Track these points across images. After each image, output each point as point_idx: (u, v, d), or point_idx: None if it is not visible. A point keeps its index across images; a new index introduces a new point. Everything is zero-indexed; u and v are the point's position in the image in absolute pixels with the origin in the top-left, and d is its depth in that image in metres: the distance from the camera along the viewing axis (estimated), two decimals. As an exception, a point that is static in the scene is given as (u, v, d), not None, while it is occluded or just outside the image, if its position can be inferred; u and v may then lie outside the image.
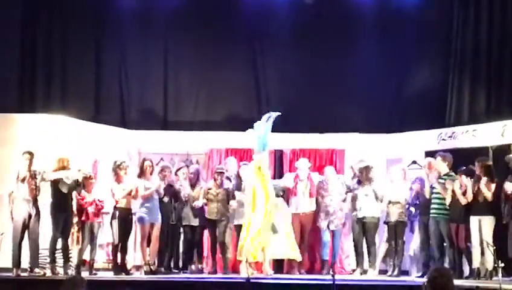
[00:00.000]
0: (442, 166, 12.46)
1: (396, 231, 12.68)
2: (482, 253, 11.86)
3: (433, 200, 12.46)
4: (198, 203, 12.90)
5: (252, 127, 12.87)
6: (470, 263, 12.15)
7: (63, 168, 12.14)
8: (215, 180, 13.07)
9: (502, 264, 11.46)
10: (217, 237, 12.92)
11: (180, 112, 16.13)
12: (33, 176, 11.93)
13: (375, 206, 12.83)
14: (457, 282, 10.72)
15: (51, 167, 12.17)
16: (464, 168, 12.41)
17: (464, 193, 12.05)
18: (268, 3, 16.18)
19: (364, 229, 12.80)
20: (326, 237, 13.20)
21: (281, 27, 16.15)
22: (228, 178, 13.29)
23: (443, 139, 14.39)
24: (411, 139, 14.67)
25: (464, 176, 12.17)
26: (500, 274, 11.37)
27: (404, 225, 12.77)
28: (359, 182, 12.92)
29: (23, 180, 11.85)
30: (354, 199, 13.05)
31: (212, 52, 15.91)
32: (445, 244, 12.36)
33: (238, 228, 12.76)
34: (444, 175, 12.41)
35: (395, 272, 12.58)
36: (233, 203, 12.84)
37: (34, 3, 15.48)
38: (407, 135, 14.80)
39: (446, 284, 6.39)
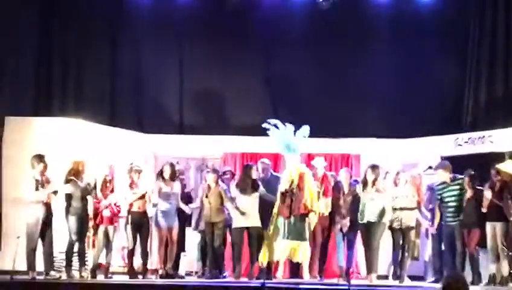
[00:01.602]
0: (444, 176, 12.36)
1: (404, 236, 12.36)
2: (498, 259, 11.81)
3: (444, 206, 12.37)
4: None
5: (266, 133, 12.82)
6: (475, 269, 12.09)
7: (78, 172, 12.18)
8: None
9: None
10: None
11: (196, 116, 16.17)
12: (48, 181, 11.97)
13: (380, 210, 12.48)
14: (472, 288, 10.77)
15: (66, 170, 12.21)
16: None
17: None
18: (283, 8, 16.21)
19: (369, 233, 12.21)
20: (340, 240, 12.99)
21: (296, 31, 16.18)
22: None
23: (459, 145, 14.37)
24: (427, 144, 14.64)
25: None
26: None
27: (410, 231, 12.29)
28: (365, 184, 12.32)
29: (41, 184, 11.88)
30: (357, 201, 12.52)
31: (228, 57, 15.97)
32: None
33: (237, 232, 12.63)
34: (452, 182, 12.32)
35: (400, 279, 12.33)
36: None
37: (50, 7, 15.51)
38: (423, 140, 14.77)
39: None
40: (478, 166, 12.73)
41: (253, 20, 16.15)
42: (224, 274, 12.83)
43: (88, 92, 15.63)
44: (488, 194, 11.91)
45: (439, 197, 12.41)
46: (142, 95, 16.17)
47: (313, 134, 12.79)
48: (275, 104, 15.85)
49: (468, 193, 12.17)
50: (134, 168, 12.60)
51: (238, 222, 12.47)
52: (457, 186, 12.29)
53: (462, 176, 12.31)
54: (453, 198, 12.27)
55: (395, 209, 12.09)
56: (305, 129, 12.58)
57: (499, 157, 13.11)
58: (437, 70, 15.73)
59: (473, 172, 12.29)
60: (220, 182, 12.76)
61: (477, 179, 12.25)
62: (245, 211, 12.37)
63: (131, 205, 12.42)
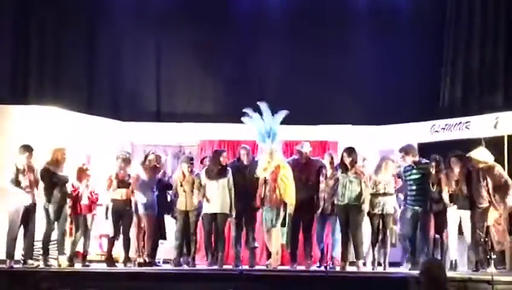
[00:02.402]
0: (409, 160, 12.35)
1: (384, 222, 12.33)
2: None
3: (408, 190, 12.32)
4: None
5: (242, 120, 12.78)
6: (442, 254, 12.14)
7: (58, 161, 12.11)
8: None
9: (494, 256, 11.62)
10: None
11: (173, 104, 16.15)
12: (31, 169, 11.90)
13: (357, 192, 12.02)
14: (449, 274, 10.82)
15: (45, 157, 12.14)
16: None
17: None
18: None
19: (348, 216, 12.07)
20: (320, 226, 12.92)
21: (275, 19, 16.19)
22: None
23: (436, 131, 14.43)
24: (404, 131, 14.68)
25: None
26: (492, 265, 11.55)
27: (390, 217, 12.30)
28: (344, 168, 12.10)
29: (23, 173, 11.82)
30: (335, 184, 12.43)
31: (206, 44, 15.96)
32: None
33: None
34: (416, 165, 12.33)
35: (383, 266, 12.34)
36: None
37: (27, -5, 15.46)
38: (400, 126, 14.81)
39: (439, 275, 6.41)
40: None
41: (232, 8, 16.15)
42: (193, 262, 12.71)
43: (65, 80, 15.56)
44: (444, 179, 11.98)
45: (405, 180, 12.40)
46: (119, 82, 16.15)
47: (291, 121, 12.78)
48: (252, 92, 15.81)
49: (433, 178, 12.15)
50: (123, 156, 12.56)
51: (206, 208, 12.41)
52: (421, 171, 12.22)
53: (427, 161, 12.32)
54: (416, 182, 12.17)
55: (377, 194, 12.06)
56: (282, 114, 12.50)
57: (476, 143, 13.19)
58: (414, 57, 15.77)
59: (437, 157, 12.27)
60: (194, 169, 12.72)
61: (443, 163, 12.20)
62: (211, 198, 12.30)
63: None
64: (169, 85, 16.26)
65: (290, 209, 12.13)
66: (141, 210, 12.45)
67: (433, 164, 12.16)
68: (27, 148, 11.90)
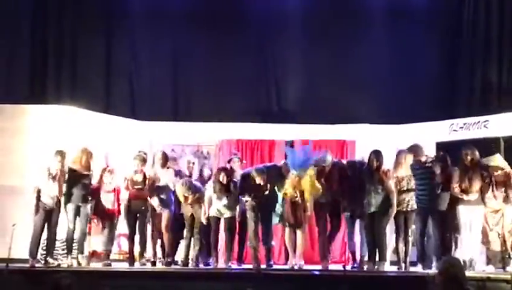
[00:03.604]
0: (411, 159, 12.31)
1: (406, 220, 12.25)
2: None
3: (417, 189, 12.12)
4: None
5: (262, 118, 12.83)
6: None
7: (80, 161, 12.11)
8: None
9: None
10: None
11: (191, 103, 16.14)
12: (64, 174, 11.97)
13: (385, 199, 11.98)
14: (468, 273, 10.79)
15: (73, 158, 12.17)
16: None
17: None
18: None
19: (374, 221, 12.01)
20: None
21: (291, 18, 16.19)
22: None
23: (454, 130, 14.37)
24: (422, 130, 14.62)
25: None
26: (511, 264, 11.52)
27: (412, 213, 12.10)
28: (370, 172, 11.99)
29: (54, 178, 11.88)
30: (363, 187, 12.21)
31: (223, 44, 15.95)
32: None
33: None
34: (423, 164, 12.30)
35: (403, 265, 12.24)
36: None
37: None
38: (418, 125, 14.75)
39: (457, 274, 6.40)
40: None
41: (248, 7, 16.15)
42: (209, 261, 12.70)
43: (82, 80, 15.62)
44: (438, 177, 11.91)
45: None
46: (137, 82, 16.17)
47: (308, 121, 12.79)
48: (269, 91, 15.83)
49: (438, 177, 12.05)
50: (142, 155, 12.59)
51: (212, 210, 12.40)
52: (427, 170, 12.15)
53: (433, 159, 12.30)
54: (422, 181, 12.07)
55: (401, 191, 11.92)
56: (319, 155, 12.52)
57: (494, 142, 13.17)
58: (431, 56, 15.74)
59: (443, 155, 12.25)
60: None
61: (445, 161, 12.12)
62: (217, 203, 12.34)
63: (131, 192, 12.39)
64: (187, 84, 16.27)
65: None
66: (158, 210, 12.45)
67: (439, 163, 12.10)
68: (61, 153, 11.96)
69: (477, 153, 11.88)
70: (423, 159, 12.29)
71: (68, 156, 12.11)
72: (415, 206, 11.98)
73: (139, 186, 12.39)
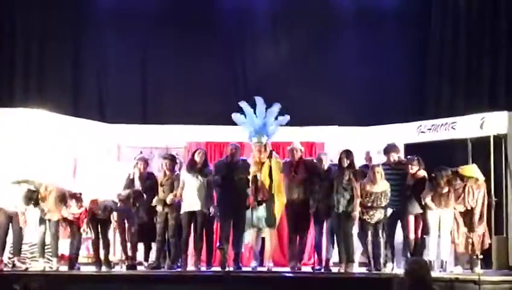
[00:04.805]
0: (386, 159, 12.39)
1: (376, 228, 12.24)
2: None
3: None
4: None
5: (231, 120, 12.85)
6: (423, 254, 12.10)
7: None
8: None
9: (481, 256, 11.66)
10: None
11: (160, 106, 16.10)
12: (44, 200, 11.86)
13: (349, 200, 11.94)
14: (436, 274, 10.87)
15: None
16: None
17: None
18: (248, -3, 16.24)
19: (340, 223, 11.98)
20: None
21: (260, 19, 16.23)
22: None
23: (422, 132, 14.43)
24: (390, 132, 14.67)
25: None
26: (478, 265, 11.61)
27: (381, 223, 12.08)
28: (340, 171, 11.99)
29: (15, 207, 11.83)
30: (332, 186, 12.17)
31: (191, 46, 15.94)
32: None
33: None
34: (395, 165, 12.34)
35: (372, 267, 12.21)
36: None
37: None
38: (387, 127, 14.80)
39: (424, 275, 6.43)
40: (442, 152, 12.82)
41: (217, 8, 16.15)
42: (178, 264, 12.64)
43: (50, 82, 15.55)
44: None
45: None
46: (105, 84, 16.13)
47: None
48: (238, 93, 15.81)
49: (409, 178, 12.14)
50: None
51: (184, 206, 12.29)
52: (398, 171, 12.23)
53: (405, 161, 12.40)
54: (393, 182, 12.04)
55: (371, 207, 11.86)
56: (276, 107, 12.58)
57: (462, 143, 13.26)
58: (399, 58, 15.81)
59: (416, 157, 12.27)
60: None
61: (421, 164, 12.20)
62: (189, 195, 12.20)
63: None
64: (155, 86, 16.24)
65: (280, 208, 12.21)
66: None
67: (413, 164, 12.16)
68: (27, 182, 11.85)
69: (449, 172, 11.89)
70: (394, 159, 12.36)
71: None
72: (382, 218, 11.96)
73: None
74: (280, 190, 12.41)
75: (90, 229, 12.21)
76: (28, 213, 11.98)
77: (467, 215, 11.91)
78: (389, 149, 12.44)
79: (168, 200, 12.26)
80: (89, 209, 11.99)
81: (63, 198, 11.84)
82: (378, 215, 11.92)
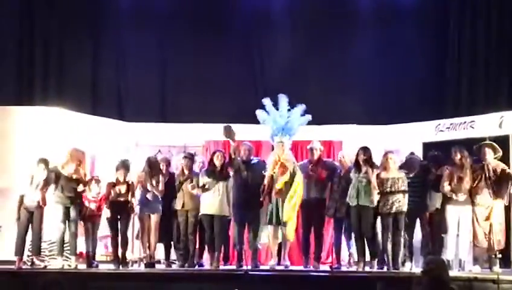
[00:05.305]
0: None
1: (396, 222, 12.18)
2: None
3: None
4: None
5: (249, 119, 12.86)
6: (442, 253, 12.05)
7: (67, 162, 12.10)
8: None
9: (500, 255, 11.60)
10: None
11: (178, 104, 16.11)
12: (48, 182, 11.97)
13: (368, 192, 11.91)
14: (455, 273, 10.84)
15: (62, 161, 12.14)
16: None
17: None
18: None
19: (360, 218, 11.92)
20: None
21: (279, 19, 16.23)
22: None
23: (441, 131, 14.40)
24: (409, 131, 14.65)
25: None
26: (498, 264, 11.55)
27: (401, 216, 11.86)
28: (358, 167, 11.99)
29: (37, 186, 11.90)
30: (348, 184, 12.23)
31: (210, 44, 15.94)
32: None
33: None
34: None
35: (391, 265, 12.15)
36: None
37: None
38: (405, 126, 14.78)
39: (442, 274, 6.42)
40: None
41: (236, 8, 16.18)
42: (200, 262, 12.69)
43: (69, 81, 15.63)
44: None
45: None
46: (124, 83, 16.19)
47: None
48: (257, 92, 15.81)
49: (431, 177, 12.12)
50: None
51: (204, 209, 12.31)
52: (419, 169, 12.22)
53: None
54: (414, 179, 12.06)
55: (387, 192, 11.80)
56: (300, 108, 12.64)
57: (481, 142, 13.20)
58: (418, 56, 15.78)
59: (436, 153, 12.30)
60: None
61: (440, 161, 12.18)
62: (209, 199, 12.24)
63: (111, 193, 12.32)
64: (174, 85, 16.28)
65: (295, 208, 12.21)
66: (144, 209, 12.40)
67: (433, 163, 12.17)
68: (44, 161, 11.99)
69: (466, 152, 11.90)
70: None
71: (54, 160, 12.13)
72: (404, 209, 11.80)
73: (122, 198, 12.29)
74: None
75: (109, 219, 12.28)
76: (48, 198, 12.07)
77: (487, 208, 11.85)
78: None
79: (189, 187, 12.27)
80: (107, 192, 12.18)
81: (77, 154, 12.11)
82: (398, 202, 11.75)
